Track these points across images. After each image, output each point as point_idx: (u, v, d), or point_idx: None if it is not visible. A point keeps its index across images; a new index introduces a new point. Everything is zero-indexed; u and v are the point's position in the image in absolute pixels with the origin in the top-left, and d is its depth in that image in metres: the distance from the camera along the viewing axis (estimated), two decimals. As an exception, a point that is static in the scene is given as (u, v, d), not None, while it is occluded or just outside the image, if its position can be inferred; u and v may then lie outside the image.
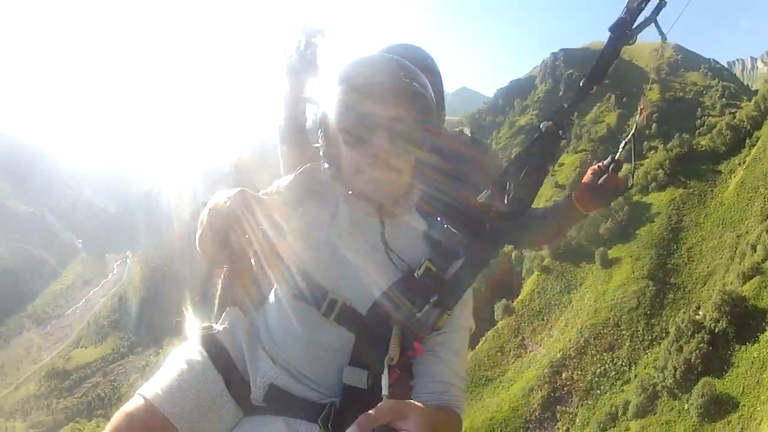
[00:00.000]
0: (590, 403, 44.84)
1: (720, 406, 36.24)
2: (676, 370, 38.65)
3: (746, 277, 42.84)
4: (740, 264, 45.43)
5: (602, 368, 47.59)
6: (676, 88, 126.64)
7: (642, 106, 2.21)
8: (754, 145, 59.97)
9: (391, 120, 1.55)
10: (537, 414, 47.04)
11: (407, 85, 1.55)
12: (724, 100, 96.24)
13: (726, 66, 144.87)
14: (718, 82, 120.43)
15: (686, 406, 37.36)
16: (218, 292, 1.90)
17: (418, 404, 1.36)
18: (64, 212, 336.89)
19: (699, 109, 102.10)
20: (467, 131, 2.65)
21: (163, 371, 1.68)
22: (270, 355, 1.70)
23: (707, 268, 50.34)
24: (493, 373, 53.69)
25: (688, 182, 62.16)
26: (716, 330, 39.37)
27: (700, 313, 42.18)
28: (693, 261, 52.63)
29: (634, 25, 1.80)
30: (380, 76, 1.56)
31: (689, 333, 40.27)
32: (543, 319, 56.94)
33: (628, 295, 51.59)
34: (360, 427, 1.16)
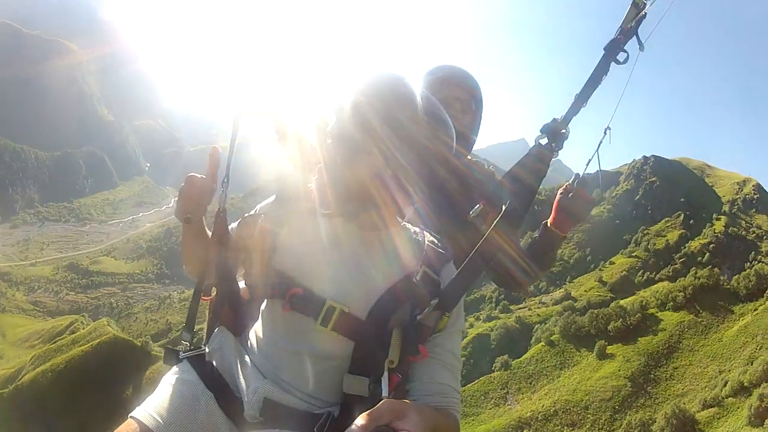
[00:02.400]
0: None
1: None
2: None
3: (706, 405, 48.01)
4: (707, 393, 50.30)
5: None
6: (741, 225, 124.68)
7: (607, 127, 2.05)
8: None
9: (385, 148, 1.56)
10: None
11: (408, 114, 1.55)
12: None
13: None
14: None
15: None
16: (207, 315, 1.98)
17: (418, 405, 1.41)
18: (145, 134, 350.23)
19: (753, 252, 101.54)
20: (487, 165, 2.80)
21: (155, 394, 1.74)
22: (262, 370, 1.72)
23: (682, 388, 54.76)
24: (470, 411, 59.12)
25: (701, 311, 66.15)
26: None
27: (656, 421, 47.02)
28: (674, 379, 57.02)
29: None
30: (380, 104, 1.55)
31: (635, 429, 45.98)
32: (530, 383, 62.22)
33: (606, 387, 56.59)
34: (360, 427, 1.12)
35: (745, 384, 47.66)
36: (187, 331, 1.86)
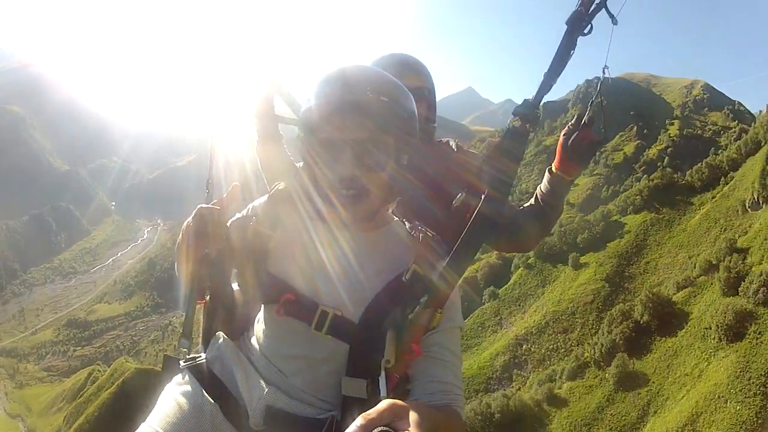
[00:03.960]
0: (540, 370, 53.98)
1: (633, 380, 44.64)
2: (602, 347, 47.79)
3: (680, 287, 51.68)
4: (680, 276, 54.21)
5: (554, 345, 57.32)
6: (696, 125, 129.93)
7: (605, 66, 2.02)
8: (727, 184, 67.43)
9: (357, 140, 1.53)
10: (498, 374, 56.90)
11: (377, 103, 1.52)
12: (739, 143, 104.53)
13: (752, 111, 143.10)
14: (738, 124, 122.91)
15: (606, 375, 46.13)
16: (202, 324, 1.93)
17: (418, 404, 1.30)
18: (102, 175, 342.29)
19: (713, 148, 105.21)
20: (453, 143, 2.69)
21: (158, 408, 1.71)
22: (263, 376, 1.71)
23: (657, 279, 58.76)
24: (471, 343, 63.74)
25: (661, 209, 70.13)
26: (641, 321, 48.19)
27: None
28: (647, 273, 61.17)
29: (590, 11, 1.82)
30: (349, 95, 1.52)
31: (618, 320, 49.45)
32: (519, 305, 66.80)
33: (586, 292, 60.95)
34: (358, 428, 1.06)
35: (713, 262, 50.94)
36: (185, 337, 1.85)
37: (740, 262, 47.66)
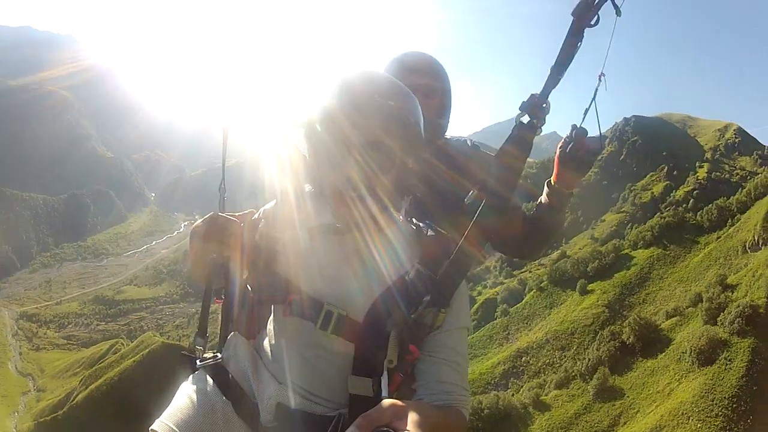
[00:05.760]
0: (535, 380, 57.90)
1: (610, 393, 48.29)
2: (589, 362, 52.00)
3: (669, 316, 55.30)
4: (670, 306, 57.99)
5: (551, 360, 61.65)
6: (725, 169, 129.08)
7: (601, 74, 1.96)
8: (733, 225, 70.36)
9: (363, 143, 1.55)
10: (496, 380, 60.82)
11: (384, 107, 1.55)
12: (749, 186, 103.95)
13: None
14: (765, 169, 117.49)
15: (588, 387, 49.94)
16: (219, 323, 1.96)
17: (418, 404, 1.39)
18: (145, 167, 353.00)
19: (739, 192, 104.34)
20: (469, 141, 2.73)
21: (173, 405, 1.76)
22: (274, 375, 1.75)
23: (653, 309, 62.45)
24: (478, 353, 68.77)
25: (669, 246, 74.10)
26: (627, 342, 52.09)
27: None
28: (646, 303, 65.08)
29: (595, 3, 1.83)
30: (357, 98, 1.55)
31: (607, 339, 53.70)
32: (527, 323, 72.00)
33: (588, 315, 65.50)
34: (359, 428, 1.12)
35: (702, 294, 54.49)
36: (200, 336, 1.88)
37: (722, 294, 51.05)
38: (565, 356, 61.94)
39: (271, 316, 1.87)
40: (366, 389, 1.61)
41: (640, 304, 65.83)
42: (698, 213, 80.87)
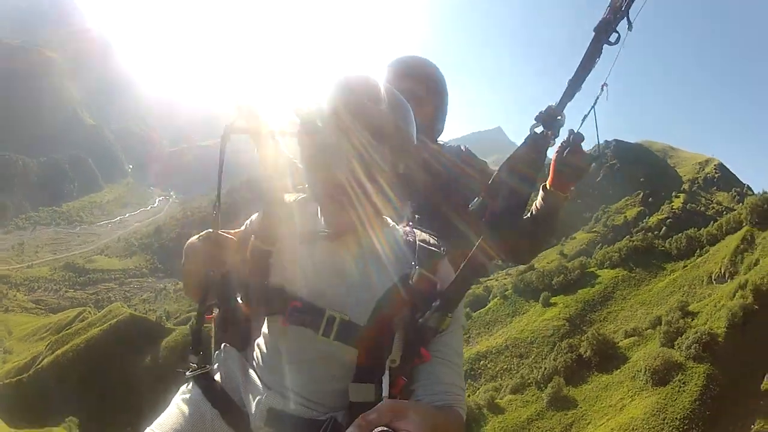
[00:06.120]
0: (491, 384, 58.67)
1: (564, 403, 48.85)
2: (545, 371, 52.63)
3: (628, 335, 55.87)
4: (629, 326, 58.76)
5: (508, 366, 62.41)
6: (701, 202, 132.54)
7: (604, 83, 1.93)
8: (701, 256, 71.43)
9: (352, 148, 1.54)
10: None
11: (374, 111, 1.55)
12: (721, 221, 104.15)
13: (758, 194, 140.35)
14: (743, 206, 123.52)
15: (542, 395, 50.54)
16: (213, 335, 1.98)
17: (418, 404, 1.46)
18: (126, 137, 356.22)
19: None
20: (463, 147, 2.76)
21: (164, 415, 1.80)
22: (267, 383, 1.73)
23: (613, 328, 63.08)
24: (438, 353, 69.33)
25: (635, 269, 74.92)
26: (584, 355, 52.74)
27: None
28: (606, 321, 65.79)
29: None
30: (346, 102, 1.54)
31: (565, 351, 54.41)
32: (488, 329, 72.43)
33: (548, 327, 66.25)
34: (359, 428, 1.13)
35: (662, 317, 54.96)
36: (194, 353, 1.89)
37: (682, 320, 51.60)
38: (522, 363, 62.61)
39: (265, 326, 1.84)
40: (368, 396, 1.59)
41: (600, 321, 66.60)
42: (667, 240, 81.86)
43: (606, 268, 77.72)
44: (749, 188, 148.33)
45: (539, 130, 1.94)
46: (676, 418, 41.37)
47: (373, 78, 1.65)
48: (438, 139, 2.87)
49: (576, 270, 77.01)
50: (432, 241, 1.79)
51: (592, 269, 78.43)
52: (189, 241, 1.91)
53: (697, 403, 41.72)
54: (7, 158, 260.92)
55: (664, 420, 41.77)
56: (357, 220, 1.63)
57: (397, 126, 1.62)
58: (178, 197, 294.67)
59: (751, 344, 43.29)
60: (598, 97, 2.00)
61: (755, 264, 55.56)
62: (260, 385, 1.74)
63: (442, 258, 1.73)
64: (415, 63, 2.72)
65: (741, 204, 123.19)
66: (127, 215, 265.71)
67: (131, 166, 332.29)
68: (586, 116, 2.04)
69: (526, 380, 55.24)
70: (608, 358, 52.74)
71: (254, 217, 1.97)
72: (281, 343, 1.73)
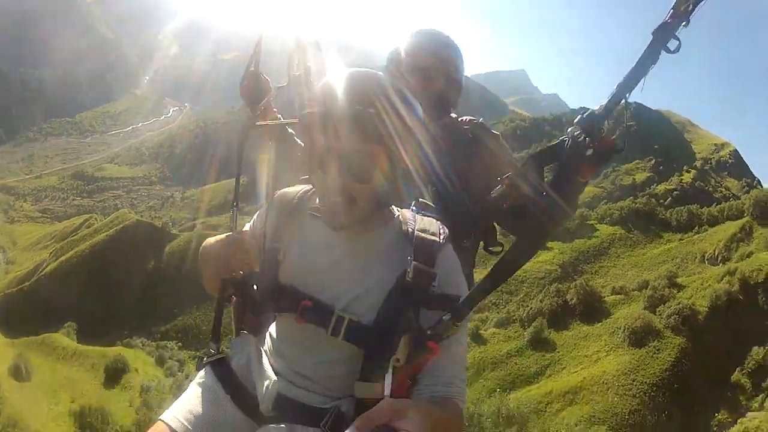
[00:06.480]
0: (477, 315, 57.94)
1: (543, 344, 50.53)
2: (530, 310, 54.66)
3: (615, 292, 57.43)
4: (617, 283, 60.39)
5: (497, 300, 64.66)
6: (710, 183, 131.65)
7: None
8: (698, 233, 72.66)
9: (343, 151, 1.55)
10: None
11: (363, 115, 1.52)
12: (724, 205, 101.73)
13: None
14: (749, 197, 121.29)
15: (524, 333, 52.04)
16: (233, 321, 2.02)
17: (418, 402, 1.43)
18: (143, 49, 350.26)
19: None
20: (480, 119, 2.70)
21: (181, 398, 1.86)
22: (278, 370, 1.76)
23: (603, 282, 64.82)
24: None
25: (633, 230, 76.42)
26: (569, 302, 54.46)
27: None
28: (597, 275, 67.45)
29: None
30: (336, 107, 1.54)
31: (552, 295, 56.28)
32: (483, 263, 61.84)
33: (541, 269, 68.35)
34: (358, 427, 1.14)
35: (650, 282, 56.13)
36: (213, 341, 1.98)
37: (668, 288, 52.66)
38: (511, 300, 65.05)
39: (278, 319, 1.86)
40: (372, 394, 1.59)
41: (591, 273, 67.96)
42: (669, 210, 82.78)
43: (605, 223, 78.99)
44: (759, 182, 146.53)
45: (577, 132, 1.67)
46: (645, 383, 42.22)
47: (369, 76, 1.64)
48: (451, 114, 2.89)
49: (576, 219, 77.53)
50: (432, 229, 1.75)
51: (591, 222, 79.62)
52: (206, 243, 1.98)
53: (668, 373, 42.68)
54: (23, 72, 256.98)
55: (633, 381, 42.61)
56: (351, 222, 1.64)
57: (390, 126, 1.59)
58: (193, 108, 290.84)
59: (728, 333, 44.58)
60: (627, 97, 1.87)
61: (748, 255, 56.57)
62: (271, 372, 1.77)
63: (440, 248, 1.70)
64: (434, 39, 2.76)
65: (747, 195, 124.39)
66: (140, 125, 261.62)
67: (147, 78, 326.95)
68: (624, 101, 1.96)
69: (511, 316, 57.29)
70: (592, 310, 54.13)
71: (260, 211, 1.99)
72: (292, 336, 1.77)
